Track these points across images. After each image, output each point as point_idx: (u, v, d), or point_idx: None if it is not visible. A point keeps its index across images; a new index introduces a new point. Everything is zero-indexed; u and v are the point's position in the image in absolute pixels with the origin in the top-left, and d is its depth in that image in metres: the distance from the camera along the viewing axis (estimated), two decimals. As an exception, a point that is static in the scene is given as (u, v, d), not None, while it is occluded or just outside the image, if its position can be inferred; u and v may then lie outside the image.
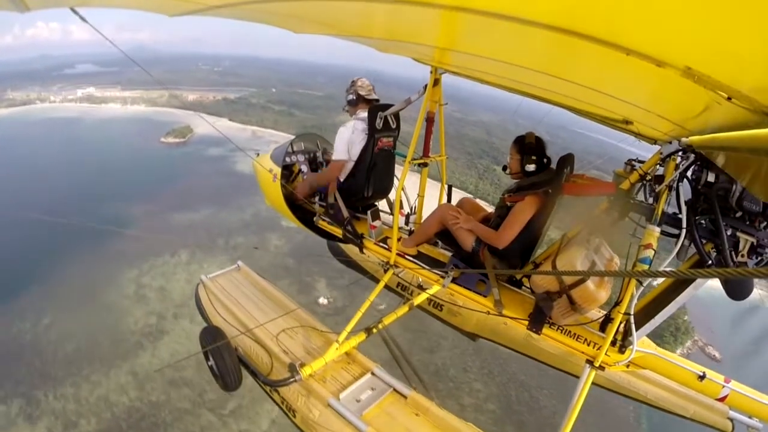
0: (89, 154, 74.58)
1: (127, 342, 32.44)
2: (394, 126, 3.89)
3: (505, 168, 3.19)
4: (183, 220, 51.48)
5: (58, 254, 41.95)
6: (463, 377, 30.27)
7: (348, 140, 3.76)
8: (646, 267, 2.29)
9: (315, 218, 4.21)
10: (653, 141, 2.95)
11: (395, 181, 4.18)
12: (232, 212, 52.96)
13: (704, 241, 2.26)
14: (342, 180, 3.93)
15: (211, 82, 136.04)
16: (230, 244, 44.33)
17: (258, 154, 4.81)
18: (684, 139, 2.24)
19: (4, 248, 42.51)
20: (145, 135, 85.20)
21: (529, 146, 2.98)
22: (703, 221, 2.31)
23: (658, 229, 2.33)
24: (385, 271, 3.68)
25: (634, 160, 2.73)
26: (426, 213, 3.66)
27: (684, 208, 2.29)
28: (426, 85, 3.36)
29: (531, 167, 2.97)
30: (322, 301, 37.29)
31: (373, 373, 3.51)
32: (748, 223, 2.19)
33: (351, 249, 4.79)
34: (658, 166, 2.52)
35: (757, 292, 2.43)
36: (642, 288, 2.48)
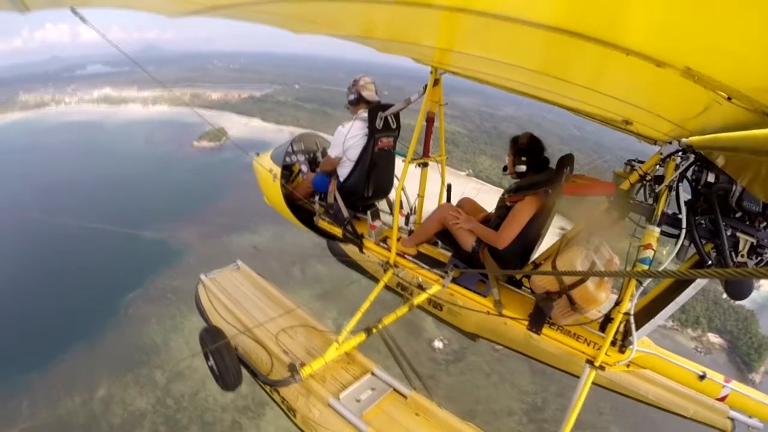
0: (117, 164, 65.27)
1: (221, 422, 23.66)
2: (394, 126, 3.88)
3: (505, 169, 3.19)
4: (245, 245, 40.62)
5: (102, 299, 33.35)
6: (599, 421, 26.75)
7: (345, 138, 3.77)
8: (646, 267, 2.29)
9: (315, 218, 4.21)
10: (653, 141, 2.95)
11: (395, 181, 4.18)
12: (299, 232, 39.38)
13: (704, 242, 2.26)
14: (342, 180, 3.93)
15: (231, 80, 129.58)
16: (309, 274, 34.23)
17: (258, 154, 4.82)
18: (684, 140, 2.24)
19: (30, 288, 34.42)
20: (175, 139, 76.07)
21: (520, 147, 2.98)
22: (703, 221, 2.31)
23: (658, 230, 2.33)
24: (385, 271, 3.68)
25: (634, 161, 2.73)
26: (426, 213, 3.66)
27: (684, 208, 2.29)
28: (426, 86, 3.36)
29: (521, 168, 2.98)
30: (437, 344, 31.89)
31: (373, 373, 3.51)
32: (747, 223, 2.19)
33: (351, 249, 4.79)
34: (658, 167, 2.52)
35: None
36: (642, 288, 2.48)
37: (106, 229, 42.77)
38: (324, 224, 4.17)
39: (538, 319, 2.79)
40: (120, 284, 35.20)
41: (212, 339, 3.59)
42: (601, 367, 2.65)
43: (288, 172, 4.63)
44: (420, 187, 3.83)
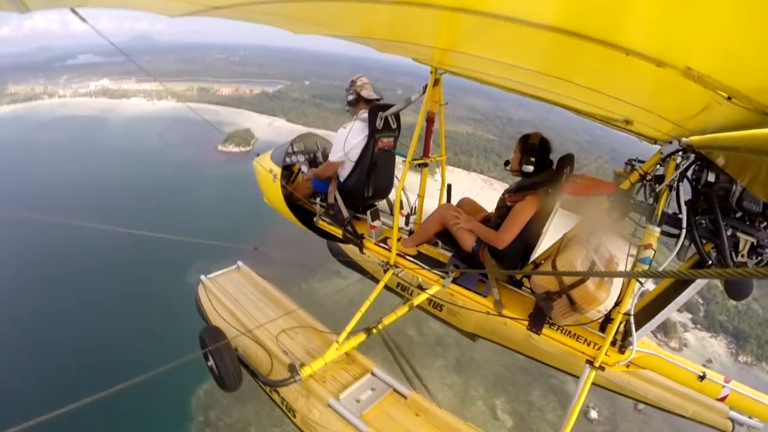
0: (132, 174, 51.09)
1: None
2: (394, 126, 3.89)
3: (507, 163, 3.19)
4: (333, 294, 29.63)
5: (164, 397, 23.14)
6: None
7: (346, 141, 3.76)
8: (646, 267, 2.29)
9: (315, 218, 4.21)
10: (653, 141, 2.95)
11: (395, 182, 4.18)
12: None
13: (704, 241, 2.26)
14: (342, 180, 3.93)
15: (236, 74, 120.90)
16: (428, 336, 26.34)
17: (258, 155, 4.82)
18: (684, 139, 2.24)
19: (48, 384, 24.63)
20: (195, 141, 61.39)
21: (530, 147, 2.97)
22: (703, 221, 2.31)
23: (658, 229, 2.33)
24: (385, 272, 3.68)
25: (634, 160, 2.73)
26: (426, 213, 3.66)
27: (684, 208, 2.29)
28: (426, 86, 3.36)
29: (529, 168, 2.96)
30: (593, 415, 28.77)
31: (372, 374, 3.51)
32: (748, 223, 2.19)
33: (351, 249, 4.79)
34: (658, 166, 2.52)
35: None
36: (642, 288, 2.48)
37: (137, 271, 31.90)
38: (324, 225, 4.17)
39: (538, 319, 2.79)
40: (181, 368, 20.85)
41: (212, 339, 3.59)
42: (601, 368, 2.65)
43: (288, 172, 4.63)
44: (420, 187, 3.83)
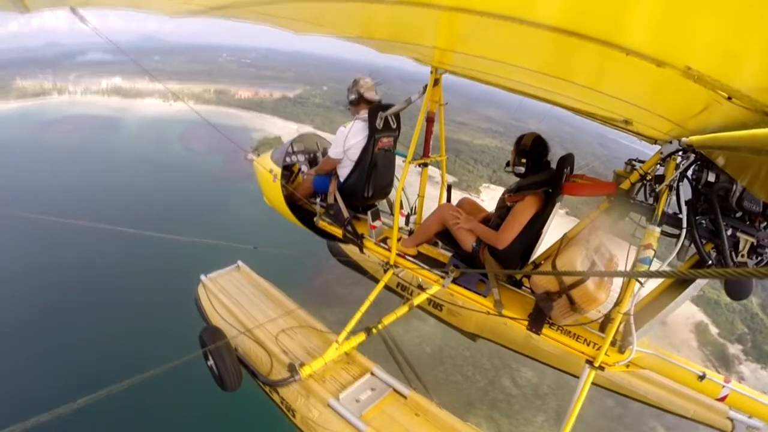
0: (159, 187, 45.55)
1: None
2: (394, 126, 3.89)
3: (508, 164, 3.20)
4: (418, 342, 25.07)
5: None
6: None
7: (346, 139, 3.77)
8: (646, 267, 2.29)
9: (315, 218, 4.21)
10: (653, 141, 2.95)
11: (395, 182, 4.18)
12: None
13: (704, 241, 2.27)
14: (342, 180, 3.94)
15: (250, 76, 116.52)
16: (524, 387, 23.80)
17: (258, 155, 4.82)
18: (684, 139, 2.24)
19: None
20: (221, 147, 54.42)
21: (522, 148, 2.97)
22: (703, 221, 2.31)
23: (658, 229, 2.33)
24: (385, 272, 3.68)
25: (635, 160, 2.73)
26: (426, 213, 3.66)
27: (684, 208, 2.29)
28: (426, 86, 3.36)
29: (520, 169, 2.97)
30: None
31: (372, 374, 3.51)
32: (748, 223, 2.19)
33: (351, 249, 4.79)
34: (658, 166, 2.52)
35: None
36: (642, 288, 2.48)
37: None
38: (324, 225, 4.17)
39: (537, 319, 2.79)
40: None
41: (212, 339, 3.59)
42: (601, 368, 2.65)
43: (288, 172, 4.63)
44: (420, 187, 3.83)
